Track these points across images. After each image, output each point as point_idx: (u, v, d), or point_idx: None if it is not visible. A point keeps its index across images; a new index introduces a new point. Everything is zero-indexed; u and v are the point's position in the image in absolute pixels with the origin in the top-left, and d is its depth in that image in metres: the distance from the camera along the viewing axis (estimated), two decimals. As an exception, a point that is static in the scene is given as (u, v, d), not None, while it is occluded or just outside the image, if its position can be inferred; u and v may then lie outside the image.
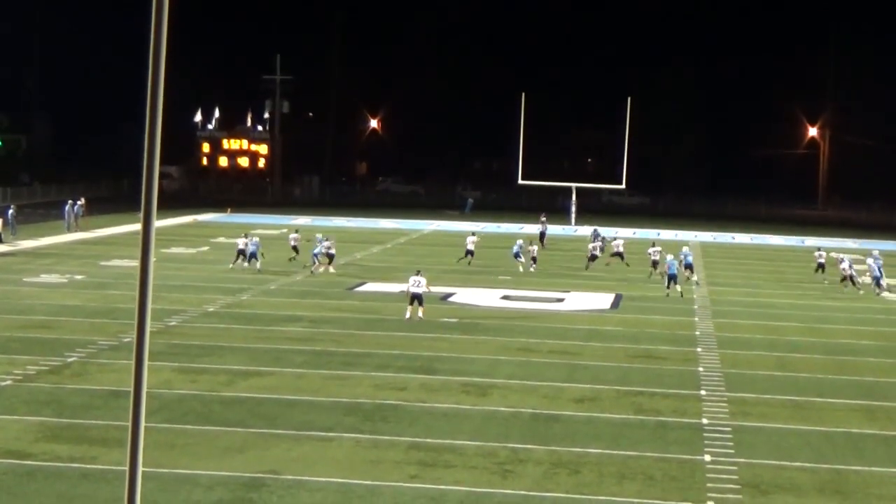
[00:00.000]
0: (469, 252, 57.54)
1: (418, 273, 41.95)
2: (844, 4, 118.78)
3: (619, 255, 58.67)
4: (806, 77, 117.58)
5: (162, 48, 7.64)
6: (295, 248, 56.70)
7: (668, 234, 76.43)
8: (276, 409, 27.29)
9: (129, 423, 7.94)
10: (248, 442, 24.43)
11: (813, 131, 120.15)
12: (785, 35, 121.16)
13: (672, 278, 49.49)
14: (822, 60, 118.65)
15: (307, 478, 22.04)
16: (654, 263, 55.21)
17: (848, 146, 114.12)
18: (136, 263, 8.14)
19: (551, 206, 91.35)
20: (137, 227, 53.98)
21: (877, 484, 23.11)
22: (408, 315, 40.74)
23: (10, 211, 65.62)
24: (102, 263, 54.49)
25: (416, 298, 40.79)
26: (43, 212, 76.64)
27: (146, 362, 7.90)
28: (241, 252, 53.52)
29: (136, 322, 7.92)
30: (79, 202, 70.88)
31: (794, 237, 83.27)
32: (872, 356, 37.13)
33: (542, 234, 67.47)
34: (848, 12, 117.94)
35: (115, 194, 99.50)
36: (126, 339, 34.92)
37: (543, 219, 69.80)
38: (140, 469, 7.95)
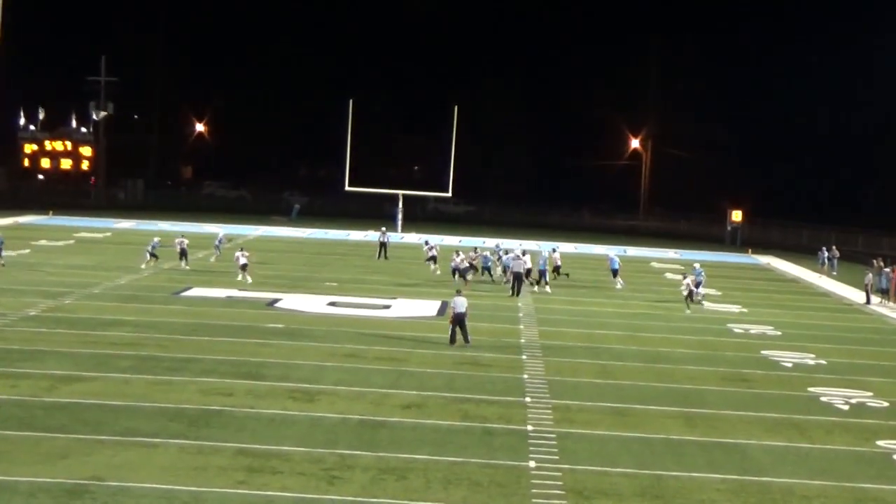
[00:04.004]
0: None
1: None
2: (664, 18, 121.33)
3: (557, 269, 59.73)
4: (629, 88, 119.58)
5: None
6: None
7: (492, 243, 76.93)
8: (100, 415, 26.91)
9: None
10: (71, 448, 24.06)
11: (635, 143, 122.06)
12: (607, 47, 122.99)
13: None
14: (643, 71, 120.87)
15: (131, 484, 21.81)
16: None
17: (669, 158, 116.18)
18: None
19: (378, 214, 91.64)
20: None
21: (696, 489, 23.68)
22: None
23: None
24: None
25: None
26: None
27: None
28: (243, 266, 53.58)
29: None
30: None
31: (617, 247, 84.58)
32: (690, 364, 38.00)
33: (384, 246, 67.22)
34: (668, 26, 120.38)
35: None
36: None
37: (384, 229, 69.63)
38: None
